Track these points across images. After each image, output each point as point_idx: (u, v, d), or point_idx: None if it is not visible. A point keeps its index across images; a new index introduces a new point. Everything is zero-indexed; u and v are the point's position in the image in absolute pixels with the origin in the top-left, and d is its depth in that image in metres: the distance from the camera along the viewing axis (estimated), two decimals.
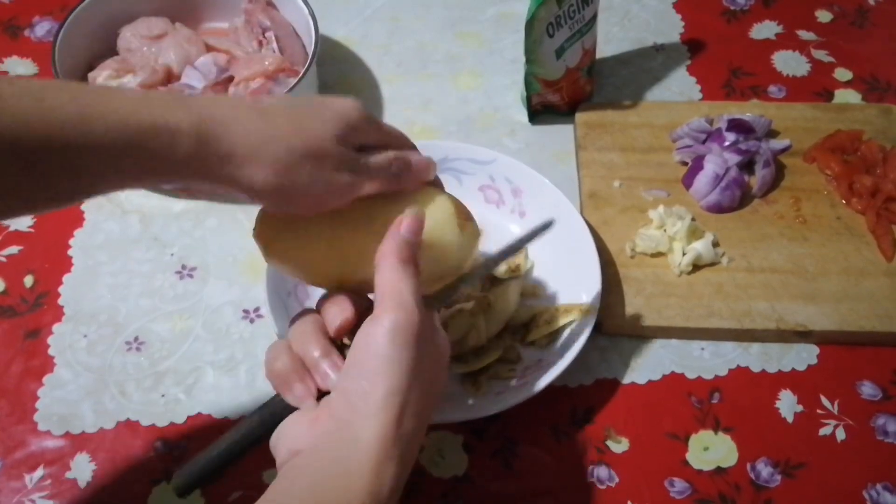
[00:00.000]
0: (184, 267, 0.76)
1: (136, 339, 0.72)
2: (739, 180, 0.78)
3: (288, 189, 0.49)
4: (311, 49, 0.82)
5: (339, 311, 0.51)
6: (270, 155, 0.48)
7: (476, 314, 0.68)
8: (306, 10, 0.84)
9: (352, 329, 0.50)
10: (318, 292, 0.70)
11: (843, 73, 0.92)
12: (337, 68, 0.92)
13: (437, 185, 0.58)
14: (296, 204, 0.51)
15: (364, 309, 0.51)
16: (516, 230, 0.77)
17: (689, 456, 0.65)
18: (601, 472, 0.65)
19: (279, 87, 0.81)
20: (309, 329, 0.50)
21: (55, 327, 0.73)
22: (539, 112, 0.87)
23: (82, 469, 0.65)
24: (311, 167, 0.49)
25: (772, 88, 0.91)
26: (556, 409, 0.68)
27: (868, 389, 0.69)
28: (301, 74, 0.78)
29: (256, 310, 0.74)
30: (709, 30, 0.96)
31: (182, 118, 0.46)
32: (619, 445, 0.66)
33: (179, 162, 0.47)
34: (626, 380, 0.70)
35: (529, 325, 0.70)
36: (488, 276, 0.73)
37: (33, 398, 0.68)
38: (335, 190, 0.50)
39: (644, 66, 0.93)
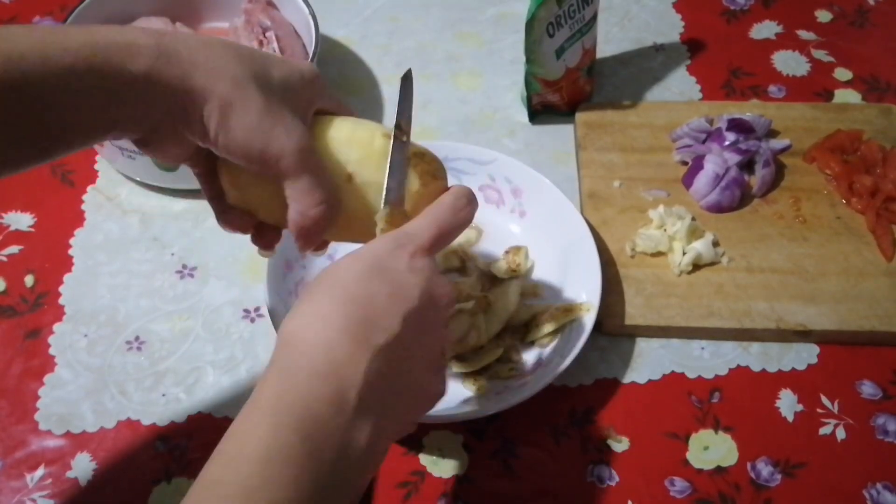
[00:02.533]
0: (184, 267, 0.76)
1: (136, 338, 0.72)
2: (739, 180, 0.78)
3: (239, 110, 0.49)
4: (311, 49, 0.82)
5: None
6: (230, 72, 0.49)
7: (476, 314, 0.68)
8: (306, 10, 0.85)
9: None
10: None
11: (843, 73, 0.92)
12: (337, 68, 0.92)
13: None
14: (244, 136, 0.50)
15: None
16: (516, 230, 0.77)
17: (689, 455, 0.65)
18: (601, 471, 0.65)
19: None
20: None
21: (56, 327, 0.73)
22: (539, 112, 0.87)
23: (83, 468, 0.65)
24: (267, 100, 0.49)
25: (772, 88, 0.91)
26: (556, 409, 0.68)
27: (868, 389, 0.69)
28: None
29: (257, 309, 0.74)
30: (709, 30, 0.96)
31: (139, 36, 0.47)
32: (619, 445, 0.66)
33: (139, 78, 0.46)
34: (626, 379, 0.70)
35: (529, 324, 0.70)
36: (488, 275, 0.73)
37: (34, 398, 0.69)
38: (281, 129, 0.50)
39: (644, 66, 0.93)
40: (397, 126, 0.53)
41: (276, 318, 0.67)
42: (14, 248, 0.78)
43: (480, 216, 0.76)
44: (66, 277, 0.76)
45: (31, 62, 0.44)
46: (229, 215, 0.56)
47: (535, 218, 0.76)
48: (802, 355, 0.71)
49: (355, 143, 0.53)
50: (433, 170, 0.54)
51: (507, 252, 0.75)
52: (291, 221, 0.52)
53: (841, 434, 0.67)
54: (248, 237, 0.73)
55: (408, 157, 0.53)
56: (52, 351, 0.71)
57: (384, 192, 0.52)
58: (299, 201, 0.51)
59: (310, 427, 0.40)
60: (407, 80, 0.56)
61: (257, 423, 0.40)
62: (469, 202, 0.51)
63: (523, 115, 0.88)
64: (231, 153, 0.50)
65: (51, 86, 0.45)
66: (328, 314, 0.43)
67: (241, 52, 0.50)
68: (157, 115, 0.49)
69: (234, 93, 0.48)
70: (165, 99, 0.48)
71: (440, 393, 0.49)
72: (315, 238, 0.52)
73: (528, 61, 0.82)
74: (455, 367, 0.68)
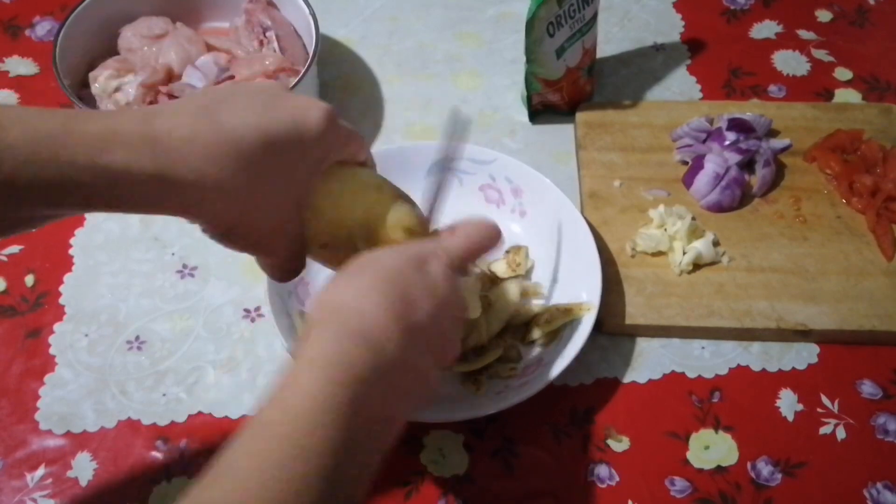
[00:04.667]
0: (184, 266, 0.77)
1: (136, 338, 0.72)
2: (740, 180, 0.78)
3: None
4: (311, 49, 0.82)
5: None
6: (230, 196, 0.49)
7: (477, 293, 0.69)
8: (307, 10, 0.85)
9: None
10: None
11: (843, 73, 0.92)
12: (337, 68, 0.92)
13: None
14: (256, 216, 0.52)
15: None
16: (517, 230, 0.77)
17: (689, 455, 0.66)
18: (602, 471, 0.65)
19: None
20: None
21: (56, 327, 0.73)
22: (539, 112, 0.87)
23: (83, 468, 0.65)
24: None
25: (772, 88, 0.91)
26: (557, 409, 0.68)
27: (868, 388, 0.69)
28: (301, 74, 0.78)
29: (257, 309, 0.74)
30: (709, 29, 0.96)
31: (146, 163, 0.46)
32: (619, 444, 0.66)
33: (140, 201, 0.48)
34: (627, 379, 0.70)
35: (530, 324, 0.70)
36: (488, 275, 0.73)
37: (34, 397, 0.69)
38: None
39: (644, 66, 0.93)
40: (449, 157, 0.60)
41: (277, 318, 0.67)
42: (14, 248, 0.78)
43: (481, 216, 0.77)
44: (67, 277, 0.76)
45: (27, 175, 0.44)
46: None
47: (536, 218, 0.76)
48: (803, 355, 0.71)
49: (342, 220, 0.54)
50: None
51: (507, 252, 0.75)
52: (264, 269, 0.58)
53: (841, 434, 0.67)
54: None
55: (447, 188, 0.60)
56: (52, 350, 0.71)
57: (427, 210, 0.58)
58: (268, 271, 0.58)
59: (355, 385, 0.43)
60: (464, 122, 0.60)
61: (310, 378, 0.43)
62: (498, 234, 0.55)
63: (524, 115, 0.88)
64: (231, 248, 0.54)
65: (42, 195, 0.46)
66: (372, 289, 0.47)
67: (244, 152, 0.48)
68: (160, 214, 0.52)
69: (234, 214, 0.50)
70: (163, 213, 0.50)
71: (434, 390, 0.52)
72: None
73: (529, 61, 0.82)
74: (455, 367, 0.68)
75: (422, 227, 0.55)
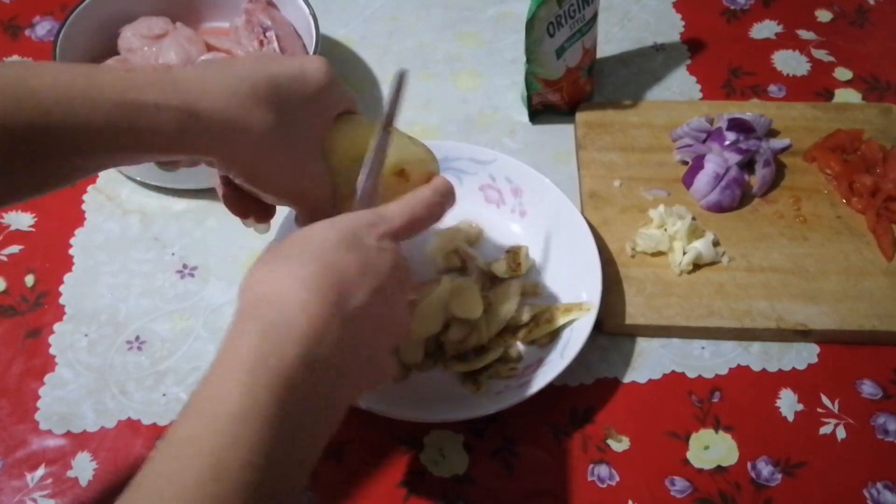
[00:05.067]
0: (184, 266, 0.77)
1: (136, 338, 0.72)
2: (739, 180, 0.78)
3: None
4: (311, 49, 0.82)
5: None
6: (255, 127, 0.50)
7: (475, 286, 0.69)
8: (307, 10, 0.85)
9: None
10: None
11: (843, 73, 0.92)
12: (337, 68, 0.91)
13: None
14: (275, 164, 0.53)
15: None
16: (517, 230, 0.77)
17: (689, 455, 0.65)
18: (602, 471, 0.65)
19: None
20: None
21: (56, 327, 0.73)
22: (539, 112, 0.87)
23: (83, 468, 0.65)
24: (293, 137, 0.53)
25: (772, 88, 0.91)
26: (557, 409, 0.68)
27: (868, 388, 0.69)
28: None
29: None
30: (709, 29, 0.96)
31: (169, 96, 0.48)
32: (619, 444, 0.66)
33: (166, 138, 0.48)
34: (627, 379, 0.70)
35: (530, 324, 0.70)
36: (489, 275, 0.73)
37: (34, 397, 0.69)
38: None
39: (644, 66, 0.93)
40: (388, 118, 0.57)
41: None
42: (14, 248, 0.78)
43: (481, 216, 0.77)
44: (67, 277, 0.76)
45: (58, 115, 0.45)
46: (234, 199, 0.58)
47: (536, 218, 0.76)
48: (803, 355, 0.71)
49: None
50: (418, 160, 0.58)
51: (507, 252, 0.75)
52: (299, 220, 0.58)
53: (841, 434, 0.67)
54: (247, 238, 0.73)
55: (387, 148, 0.56)
56: (52, 350, 0.71)
57: (362, 178, 0.54)
58: (303, 222, 0.57)
59: (283, 386, 0.41)
60: (403, 80, 0.59)
61: (232, 380, 0.41)
62: (444, 198, 0.54)
63: (524, 115, 0.88)
64: (256, 192, 0.54)
65: (75, 137, 0.46)
66: (305, 277, 0.44)
67: (262, 93, 0.51)
68: (187, 159, 0.53)
69: (257, 147, 0.51)
70: (192, 153, 0.51)
71: (391, 375, 0.50)
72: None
73: (529, 61, 0.82)
74: (455, 367, 0.68)
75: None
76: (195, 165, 0.56)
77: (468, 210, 0.77)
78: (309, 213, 0.56)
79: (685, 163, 0.82)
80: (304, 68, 0.54)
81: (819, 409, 0.68)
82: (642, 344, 0.72)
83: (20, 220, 0.80)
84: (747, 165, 0.80)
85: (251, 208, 0.58)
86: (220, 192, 0.58)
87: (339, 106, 0.57)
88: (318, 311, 0.43)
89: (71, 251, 0.78)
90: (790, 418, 0.68)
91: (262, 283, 0.45)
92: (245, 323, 0.43)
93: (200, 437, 0.39)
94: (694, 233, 0.75)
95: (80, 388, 0.69)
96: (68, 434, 0.67)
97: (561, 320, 0.69)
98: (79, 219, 0.80)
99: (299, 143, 0.53)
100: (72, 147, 0.47)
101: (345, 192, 0.56)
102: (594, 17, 0.81)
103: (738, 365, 0.70)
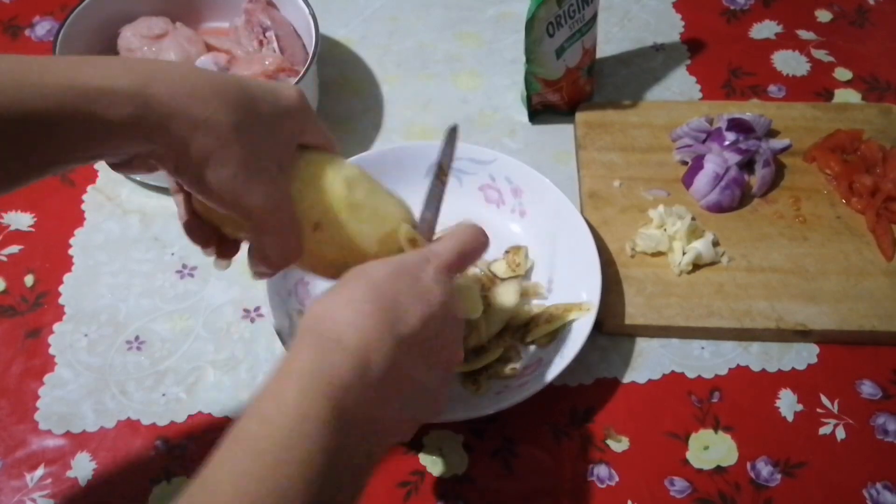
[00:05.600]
0: (184, 266, 0.77)
1: (136, 338, 0.72)
2: (739, 180, 0.78)
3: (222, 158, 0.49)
4: (311, 49, 0.82)
5: None
6: (212, 121, 0.48)
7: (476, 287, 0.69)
8: (307, 10, 0.85)
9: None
10: (320, 293, 0.71)
11: (843, 73, 0.92)
12: (337, 68, 0.92)
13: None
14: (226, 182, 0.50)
15: None
16: (517, 230, 0.77)
17: (689, 455, 0.65)
18: (601, 471, 0.65)
19: None
20: None
21: (56, 327, 0.73)
22: (539, 112, 0.87)
23: (83, 468, 0.65)
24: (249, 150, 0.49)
25: (772, 88, 0.91)
26: (557, 409, 0.68)
27: (868, 388, 0.69)
28: (301, 74, 0.78)
29: (257, 309, 0.74)
30: (709, 30, 0.96)
31: (121, 79, 0.46)
32: (619, 445, 0.66)
33: (118, 125, 0.46)
34: (626, 379, 0.70)
35: (529, 324, 0.70)
36: (488, 275, 0.73)
37: (34, 397, 0.69)
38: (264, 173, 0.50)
39: (644, 66, 0.93)
40: (440, 167, 0.60)
41: (277, 319, 0.67)
42: (14, 248, 0.78)
43: (481, 216, 0.77)
44: (67, 277, 0.76)
45: (5, 101, 0.44)
46: (194, 227, 0.56)
47: (536, 218, 0.76)
48: (802, 355, 0.71)
49: (327, 193, 0.53)
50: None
51: (507, 252, 0.75)
52: (254, 256, 0.54)
53: (841, 434, 0.67)
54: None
55: (442, 198, 0.60)
56: (52, 350, 0.71)
57: (418, 219, 0.57)
58: (261, 249, 0.53)
59: (338, 395, 0.43)
60: (454, 133, 0.62)
61: (291, 388, 0.43)
62: (485, 237, 0.56)
63: (523, 115, 0.88)
64: (205, 198, 0.51)
65: (26, 125, 0.45)
66: (357, 300, 0.47)
67: (228, 94, 0.49)
68: (135, 154, 0.49)
69: (213, 145, 0.48)
70: (144, 145, 0.48)
71: (444, 404, 0.52)
72: (270, 275, 0.55)
73: (529, 61, 0.82)
74: (455, 367, 0.68)
75: (423, 240, 0.55)
76: (153, 171, 0.52)
77: (468, 210, 0.77)
78: (260, 235, 0.52)
79: (685, 163, 0.82)
80: (278, 88, 0.52)
81: (819, 410, 0.68)
82: (642, 344, 0.72)
83: (20, 220, 0.80)
84: (747, 165, 0.80)
85: (213, 240, 0.57)
86: (181, 219, 0.56)
87: (307, 135, 0.54)
88: (368, 329, 0.45)
89: (71, 251, 0.78)
90: (790, 418, 0.68)
91: (318, 307, 0.48)
92: (303, 339, 0.46)
93: (262, 436, 0.41)
94: (694, 233, 0.75)
95: (80, 388, 0.69)
96: (68, 434, 0.67)
97: (560, 320, 0.69)
98: (79, 219, 0.80)
99: (258, 152, 0.50)
100: (26, 139, 0.45)
101: (303, 225, 0.53)
102: (594, 17, 0.81)
103: (738, 365, 0.70)
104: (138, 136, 0.47)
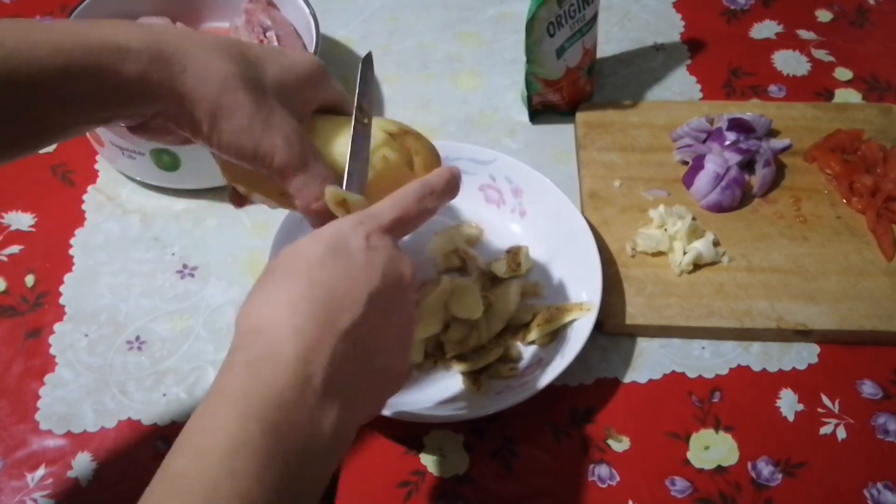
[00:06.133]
0: (184, 266, 0.77)
1: (137, 338, 0.72)
2: (740, 180, 0.78)
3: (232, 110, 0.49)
4: (311, 49, 0.82)
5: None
6: (220, 74, 0.48)
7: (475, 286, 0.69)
8: (307, 10, 0.85)
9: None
10: None
11: (843, 73, 0.92)
12: (337, 68, 0.92)
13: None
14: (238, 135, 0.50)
15: None
16: (517, 230, 0.77)
17: (689, 455, 0.65)
18: (602, 471, 0.65)
19: None
20: None
21: (56, 327, 0.73)
22: (539, 112, 0.87)
23: (84, 468, 0.65)
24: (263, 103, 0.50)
25: (772, 88, 0.91)
26: (557, 409, 0.68)
27: (868, 388, 0.69)
28: None
29: None
30: (709, 29, 0.96)
31: (132, 37, 0.47)
32: (619, 444, 0.66)
33: (131, 81, 0.47)
34: (627, 379, 0.70)
35: (530, 324, 0.70)
36: (489, 275, 0.73)
37: (34, 397, 0.69)
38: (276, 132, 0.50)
39: (644, 66, 0.93)
40: (358, 108, 0.53)
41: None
42: (15, 248, 0.78)
43: (481, 216, 0.78)
44: (67, 277, 0.76)
45: (19, 60, 0.44)
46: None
47: (536, 218, 0.76)
48: (803, 355, 0.71)
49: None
50: (409, 154, 0.54)
51: (507, 252, 0.75)
52: (301, 210, 0.52)
53: (841, 434, 0.67)
54: (248, 238, 0.73)
55: (368, 141, 0.53)
56: (52, 351, 0.71)
57: (345, 176, 0.51)
58: (299, 197, 0.51)
59: (275, 417, 0.40)
60: (367, 63, 0.56)
61: (223, 414, 0.40)
62: (435, 193, 0.50)
63: (524, 115, 0.88)
64: (224, 152, 0.51)
65: (40, 84, 0.45)
66: (292, 300, 0.43)
67: (234, 51, 0.50)
68: (150, 113, 0.50)
69: (224, 96, 0.48)
70: (157, 101, 0.49)
71: (407, 371, 0.49)
72: (327, 219, 0.50)
73: (529, 61, 0.82)
74: (455, 367, 0.68)
75: (354, 198, 0.51)
76: (171, 135, 0.52)
77: (468, 210, 0.77)
78: (288, 180, 0.51)
79: (685, 163, 0.82)
80: (289, 54, 0.53)
81: (819, 409, 0.68)
82: (642, 344, 0.72)
83: (20, 220, 0.80)
84: (747, 165, 0.80)
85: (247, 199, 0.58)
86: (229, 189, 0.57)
87: (326, 93, 0.54)
88: (306, 334, 0.42)
89: (71, 251, 0.78)
90: (790, 418, 0.68)
91: (254, 312, 0.44)
92: (235, 355, 0.43)
93: (193, 473, 0.38)
94: (694, 233, 0.75)
95: (80, 388, 0.69)
96: (68, 434, 0.67)
97: (561, 320, 0.69)
98: (79, 219, 0.80)
99: (269, 104, 0.50)
100: (40, 94, 0.46)
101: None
102: (594, 17, 0.81)
103: (738, 365, 0.70)
104: (150, 92, 0.48)
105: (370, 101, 0.54)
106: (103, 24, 0.48)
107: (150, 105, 0.49)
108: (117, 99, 0.48)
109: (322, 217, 0.51)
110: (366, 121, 0.53)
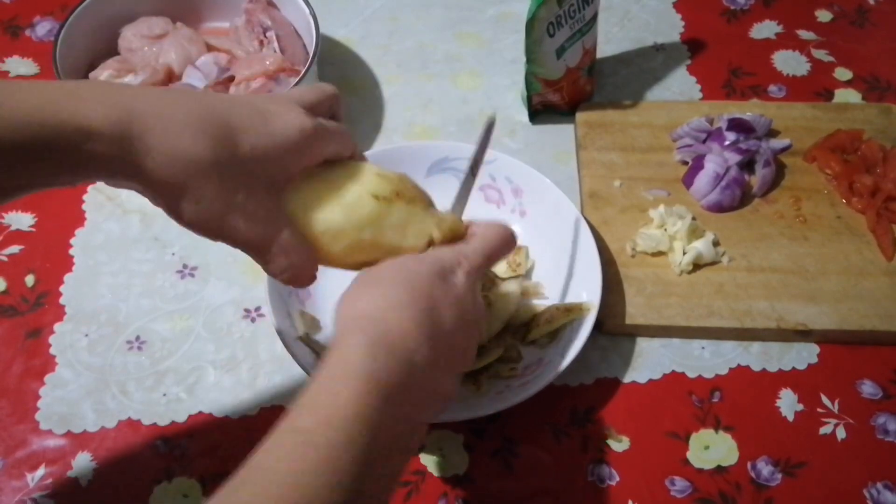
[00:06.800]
0: (185, 266, 0.77)
1: (137, 338, 0.72)
2: (740, 180, 0.78)
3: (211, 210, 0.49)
4: (311, 49, 0.82)
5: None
6: (187, 156, 0.47)
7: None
8: (307, 10, 0.85)
9: None
10: (320, 292, 0.71)
11: (843, 73, 0.92)
12: (337, 68, 0.92)
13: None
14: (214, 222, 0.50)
15: None
16: (517, 230, 0.76)
17: (689, 455, 0.66)
18: (602, 471, 0.65)
19: (280, 86, 0.82)
20: None
21: (56, 327, 0.73)
22: (539, 112, 0.87)
23: (84, 468, 0.65)
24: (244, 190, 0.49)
25: (772, 88, 0.91)
26: (557, 409, 0.68)
27: (868, 388, 0.69)
28: (302, 74, 0.78)
29: (257, 309, 0.74)
30: (709, 29, 0.96)
31: (95, 114, 0.45)
32: (619, 444, 0.66)
33: (94, 159, 0.46)
34: (627, 379, 0.70)
35: (530, 324, 0.70)
36: (489, 275, 0.73)
37: (35, 397, 0.69)
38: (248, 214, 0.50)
39: (644, 66, 0.93)
40: (474, 161, 0.62)
41: (278, 318, 0.67)
42: (15, 248, 0.78)
43: (481, 216, 0.77)
44: (67, 277, 0.76)
45: None
46: None
47: (536, 218, 0.76)
48: (803, 355, 0.71)
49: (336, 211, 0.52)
50: (410, 195, 0.54)
51: None
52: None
53: (841, 433, 0.67)
54: None
55: (470, 190, 0.61)
56: (52, 350, 0.71)
57: (451, 212, 0.58)
58: (266, 269, 0.53)
59: (386, 396, 0.44)
60: (489, 127, 0.63)
61: (346, 386, 0.44)
62: (513, 239, 0.57)
63: (524, 115, 0.88)
64: (188, 228, 0.50)
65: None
66: (403, 303, 0.47)
67: (211, 125, 0.48)
68: (113, 183, 0.49)
69: (187, 181, 0.47)
70: (119, 178, 0.48)
71: (455, 394, 0.52)
72: (298, 285, 0.55)
73: (529, 61, 0.82)
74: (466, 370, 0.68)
75: (451, 235, 0.54)
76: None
77: (468, 210, 0.77)
78: (260, 257, 0.52)
79: (685, 163, 0.82)
80: (273, 117, 0.50)
81: (819, 409, 0.68)
82: (642, 344, 0.72)
83: (20, 220, 0.80)
84: (747, 165, 0.80)
85: None
86: None
87: (316, 157, 0.53)
88: (414, 333, 0.47)
89: (71, 251, 0.78)
90: (790, 418, 0.68)
91: (365, 302, 0.48)
92: (351, 337, 0.46)
93: (317, 431, 0.42)
94: (694, 233, 0.75)
95: (81, 388, 0.69)
96: (68, 434, 0.67)
97: (561, 320, 0.69)
98: (79, 219, 0.80)
99: (236, 186, 0.49)
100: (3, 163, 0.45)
101: (317, 241, 0.52)
102: (594, 17, 0.81)
103: (738, 365, 0.70)
104: (112, 171, 0.47)
105: (482, 158, 0.63)
106: (73, 94, 0.46)
107: (112, 181, 0.48)
108: (79, 173, 0.47)
109: (291, 285, 0.55)
110: (475, 171, 0.62)
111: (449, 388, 0.51)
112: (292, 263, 0.52)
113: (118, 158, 0.46)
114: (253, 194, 0.49)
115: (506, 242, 0.56)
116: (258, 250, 0.51)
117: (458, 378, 0.52)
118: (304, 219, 0.52)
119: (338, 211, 0.52)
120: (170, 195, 0.48)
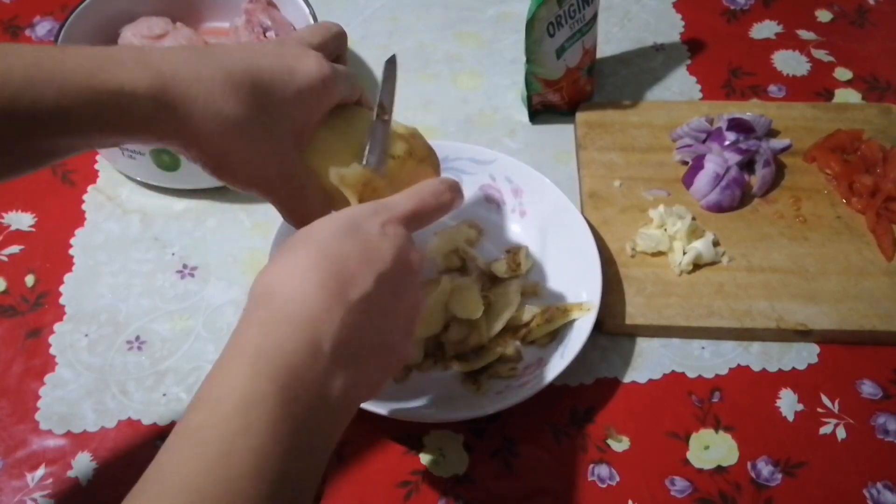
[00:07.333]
0: (185, 266, 0.77)
1: (137, 338, 0.72)
2: (739, 180, 0.78)
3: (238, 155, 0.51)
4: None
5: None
6: (224, 116, 0.49)
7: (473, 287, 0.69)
8: (307, 10, 0.85)
9: None
10: None
11: (843, 73, 0.92)
12: None
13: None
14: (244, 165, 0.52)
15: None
16: (517, 230, 0.77)
17: (689, 455, 0.66)
18: (602, 471, 0.65)
19: None
20: None
21: (56, 327, 0.73)
22: (539, 112, 0.87)
23: (84, 468, 0.65)
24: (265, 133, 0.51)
25: (772, 88, 0.91)
26: (557, 409, 0.68)
27: (868, 388, 0.69)
28: None
29: None
30: (709, 29, 0.96)
31: (138, 79, 0.47)
32: (619, 444, 0.66)
33: (135, 123, 0.48)
34: (627, 379, 0.70)
35: (530, 324, 0.70)
36: (489, 275, 0.73)
37: (35, 397, 0.69)
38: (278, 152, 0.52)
39: (644, 66, 0.93)
40: (380, 105, 0.56)
41: None
42: (15, 248, 0.78)
43: (481, 216, 0.77)
44: (67, 277, 0.76)
45: (25, 103, 0.45)
46: None
47: (536, 218, 0.76)
48: (803, 355, 0.71)
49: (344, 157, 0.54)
50: (421, 154, 0.57)
51: (507, 252, 0.75)
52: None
53: (841, 433, 0.67)
54: (248, 238, 0.72)
55: (388, 136, 0.55)
56: (52, 350, 0.71)
57: (363, 163, 0.54)
58: (296, 225, 0.54)
59: (286, 375, 0.42)
60: (391, 64, 0.59)
61: (237, 373, 0.41)
62: (452, 191, 0.54)
63: (524, 115, 0.88)
64: (225, 182, 0.53)
65: (42, 123, 0.46)
66: (305, 269, 0.45)
67: (244, 85, 0.50)
68: (155, 144, 0.53)
69: (224, 140, 0.50)
70: (160, 141, 0.51)
71: (409, 356, 0.51)
72: None
73: (529, 61, 0.82)
74: (455, 367, 0.68)
75: (370, 185, 0.53)
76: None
77: (468, 210, 0.77)
78: (285, 208, 0.55)
79: (685, 163, 0.82)
80: (294, 66, 0.52)
81: (819, 409, 0.68)
82: (642, 344, 0.72)
83: (20, 220, 0.80)
84: (747, 165, 0.80)
85: None
86: None
87: (332, 102, 0.55)
88: (317, 300, 0.44)
89: (71, 251, 0.78)
90: (790, 418, 0.68)
91: (267, 277, 0.46)
92: (248, 316, 0.45)
93: (208, 426, 0.40)
94: (694, 233, 0.75)
95: (80, 388, 0.69)
96: (68, 434, 0.67)
97: (561, 320, 0.69)
98: (79, 219, 0.80)
99: (270, 137, 0.51)
100: (42, 131, 0.46)
101: (334, 193, 0.54)
102: (594, 17, 0.81)
103: (738, 365, 0.70)
104: (153, 133, 0.49)
105: (391, 99, 0.57)
106: (111, 60, 0.47)
107: (154, 143, 0.52)
108: (121, 137, 0.50)
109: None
110: (385, 117, 0.56)
111: (393, 351, 0.48)
112: (303, 213, 0.53)
113: (160, 121, 0.48)
114: (283, 146, 0.52)
115: (435, 192, 0.52)
116: (287, 205, 0.54)
117: (407, 333, 0.50)
118: (326, 174, 0.53)
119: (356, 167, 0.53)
120: (209, 154, 0.51)
